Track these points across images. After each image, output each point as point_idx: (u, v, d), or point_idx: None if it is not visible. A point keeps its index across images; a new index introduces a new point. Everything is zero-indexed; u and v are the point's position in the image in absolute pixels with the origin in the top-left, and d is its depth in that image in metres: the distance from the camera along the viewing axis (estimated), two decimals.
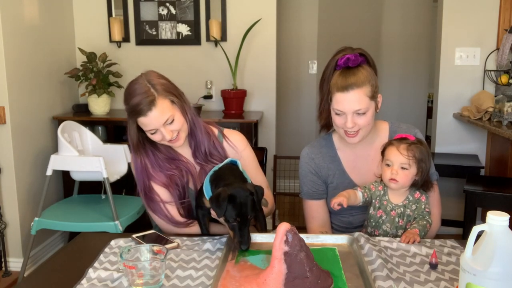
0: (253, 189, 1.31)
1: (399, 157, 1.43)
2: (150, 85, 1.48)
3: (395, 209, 1.47)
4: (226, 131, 1.72)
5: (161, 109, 1.47)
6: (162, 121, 1.47)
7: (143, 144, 1.59)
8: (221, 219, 1.33)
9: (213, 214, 1.45)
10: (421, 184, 1.48)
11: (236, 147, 1.68)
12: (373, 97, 1.48)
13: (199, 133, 1.61)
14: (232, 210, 1.27)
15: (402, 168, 1.44)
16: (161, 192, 1.58)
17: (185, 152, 1.64)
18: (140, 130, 1.55)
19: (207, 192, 1.39)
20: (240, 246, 1.27)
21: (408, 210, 1.47)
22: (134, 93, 1.47)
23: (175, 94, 1.52)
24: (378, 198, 1.50)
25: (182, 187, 1.60)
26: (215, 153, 1.63)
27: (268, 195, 1.65)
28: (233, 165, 1.45)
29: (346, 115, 1.47)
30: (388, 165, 1.46)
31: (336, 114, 1.50)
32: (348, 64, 1.47)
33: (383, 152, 1.50)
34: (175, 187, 1.59)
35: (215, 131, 1.69)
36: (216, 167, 1.44)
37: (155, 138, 1.52)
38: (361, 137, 1.52)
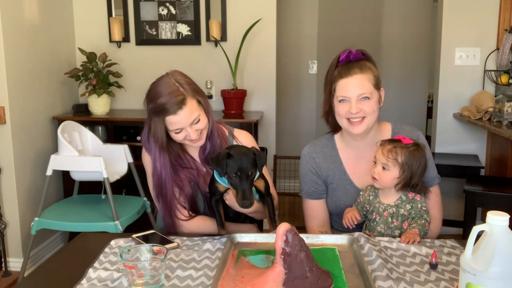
0: (255, 150, 1.37)
1: (381, 157, 1.46)
2: (178, 84, 1.49)
3: (387, 209, 1.48)
4: (236, 131, 1.75)
5: (190, 109, 1.48)
6: (190, 121, 1.49)
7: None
8: (225, 181, 1.38)
9: (226, 198, 1.47)
10: (410, 186, 1.47)
11: None
12: (376, 85, 1.50)
13: (215, 136, 1.63)
14: (231, 164, 1.33)
15: (383, 168, 1.45)
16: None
17: (195, 154, 1.66)
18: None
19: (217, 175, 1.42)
20: (242, 202, 1.31)
21: (402, 210, 1.47)
22: (162, 93, 1.47)
23: (200, 94, 1.54)
24: (368, 203, 1.52)
25: (188, 196, 1.60)
26: None
27: (274, 195, 1.67)
28: None
29: (350, 101, 1.48)
30: (375, 163, 1.48)
31: (340, 101, 1.50)
32: (350, 58, 1.50)
33: None
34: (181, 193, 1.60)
35: (225, 131, 1.71)
36: None
37: (178, 137, 1.53)
38: (366, 125, 1.51)
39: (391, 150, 1.44)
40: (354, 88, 1.47)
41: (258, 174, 1.40)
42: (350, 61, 1.51)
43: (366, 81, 1.47)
